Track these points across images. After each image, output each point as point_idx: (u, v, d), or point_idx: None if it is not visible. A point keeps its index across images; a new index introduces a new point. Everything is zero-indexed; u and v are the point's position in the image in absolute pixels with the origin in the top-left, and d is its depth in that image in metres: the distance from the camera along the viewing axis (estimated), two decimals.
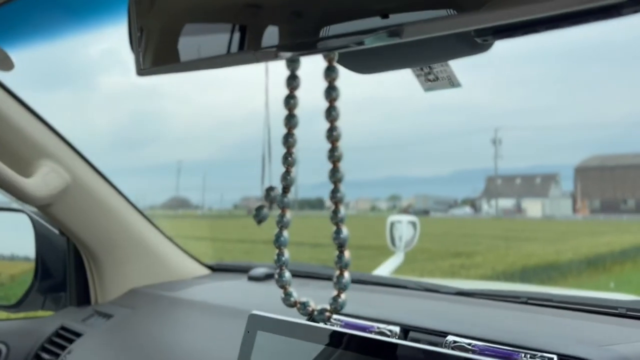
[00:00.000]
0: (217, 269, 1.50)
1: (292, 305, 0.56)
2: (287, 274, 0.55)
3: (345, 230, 0.51)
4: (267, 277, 1.32)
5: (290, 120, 0.54)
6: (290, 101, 0.54)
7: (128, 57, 0.57)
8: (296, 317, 0.64)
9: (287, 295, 0.55)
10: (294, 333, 0.62)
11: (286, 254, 0.55)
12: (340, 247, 0.51)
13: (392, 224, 2.38)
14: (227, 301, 1.16)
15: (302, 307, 0.56)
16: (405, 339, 0.74)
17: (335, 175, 0.50)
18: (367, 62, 0.59)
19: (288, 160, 0.54)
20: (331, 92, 0.50)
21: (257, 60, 0.49)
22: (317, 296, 0.59)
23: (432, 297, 1.13)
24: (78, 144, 1.26)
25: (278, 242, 0.54)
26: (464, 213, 47.09)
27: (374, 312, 0.82)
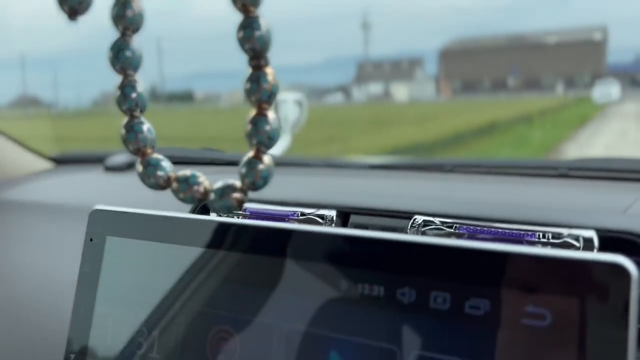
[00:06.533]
0: (62, 161, 1.15)
1: (163, 185, 0.28)
2: (147, 129, 0.26)
3: (271, 72, 0.22)
4: (130, 166, 1.01)
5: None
6: None
7: None
8: (171, 210, 0.38)
9: (150, 166, 0.26)
10: (162, 234, 0.37)
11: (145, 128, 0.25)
12: (260, 103, 0.22)
13: (276, 104, 2.16)
14: (74, 199, 0.85)
15: (183, 188, 0.27)
16: (345, 226, 0.52)
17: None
18: None
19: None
20: None
21: None
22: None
23: (345, 173, 0.92)
24: None
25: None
26: (336, 100, 47.92)
27: (291, 194, 0.58)
